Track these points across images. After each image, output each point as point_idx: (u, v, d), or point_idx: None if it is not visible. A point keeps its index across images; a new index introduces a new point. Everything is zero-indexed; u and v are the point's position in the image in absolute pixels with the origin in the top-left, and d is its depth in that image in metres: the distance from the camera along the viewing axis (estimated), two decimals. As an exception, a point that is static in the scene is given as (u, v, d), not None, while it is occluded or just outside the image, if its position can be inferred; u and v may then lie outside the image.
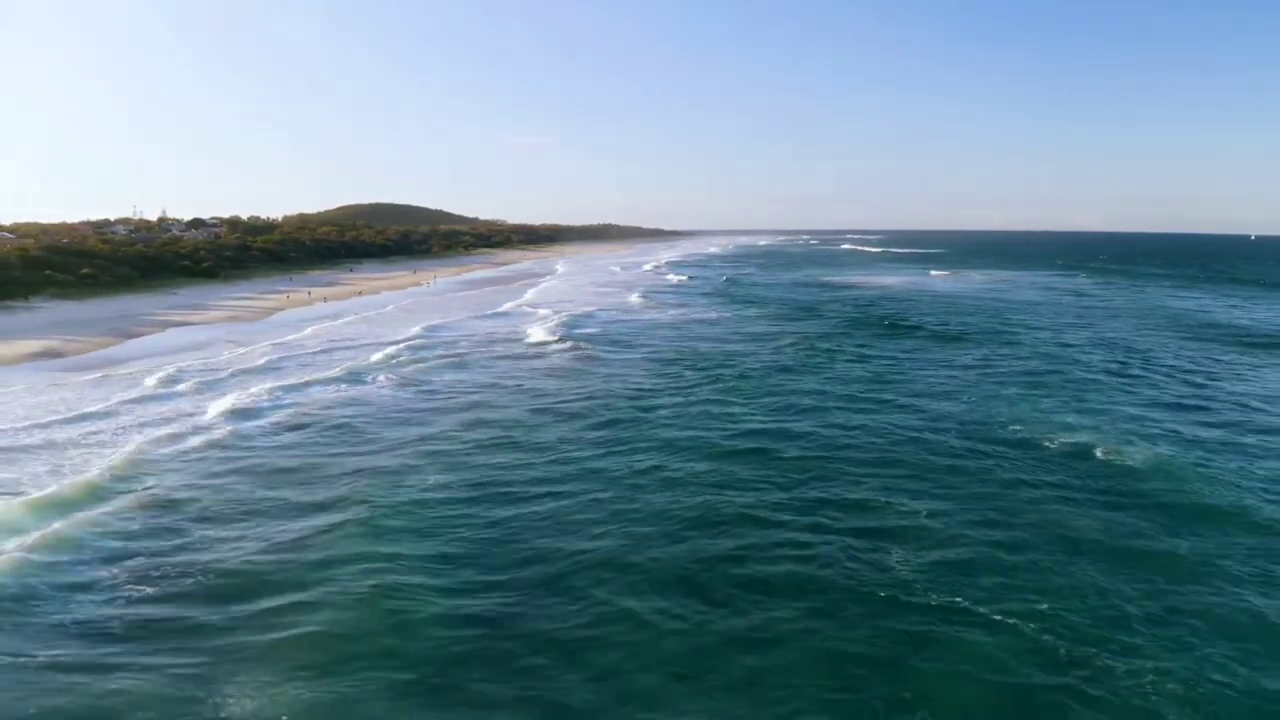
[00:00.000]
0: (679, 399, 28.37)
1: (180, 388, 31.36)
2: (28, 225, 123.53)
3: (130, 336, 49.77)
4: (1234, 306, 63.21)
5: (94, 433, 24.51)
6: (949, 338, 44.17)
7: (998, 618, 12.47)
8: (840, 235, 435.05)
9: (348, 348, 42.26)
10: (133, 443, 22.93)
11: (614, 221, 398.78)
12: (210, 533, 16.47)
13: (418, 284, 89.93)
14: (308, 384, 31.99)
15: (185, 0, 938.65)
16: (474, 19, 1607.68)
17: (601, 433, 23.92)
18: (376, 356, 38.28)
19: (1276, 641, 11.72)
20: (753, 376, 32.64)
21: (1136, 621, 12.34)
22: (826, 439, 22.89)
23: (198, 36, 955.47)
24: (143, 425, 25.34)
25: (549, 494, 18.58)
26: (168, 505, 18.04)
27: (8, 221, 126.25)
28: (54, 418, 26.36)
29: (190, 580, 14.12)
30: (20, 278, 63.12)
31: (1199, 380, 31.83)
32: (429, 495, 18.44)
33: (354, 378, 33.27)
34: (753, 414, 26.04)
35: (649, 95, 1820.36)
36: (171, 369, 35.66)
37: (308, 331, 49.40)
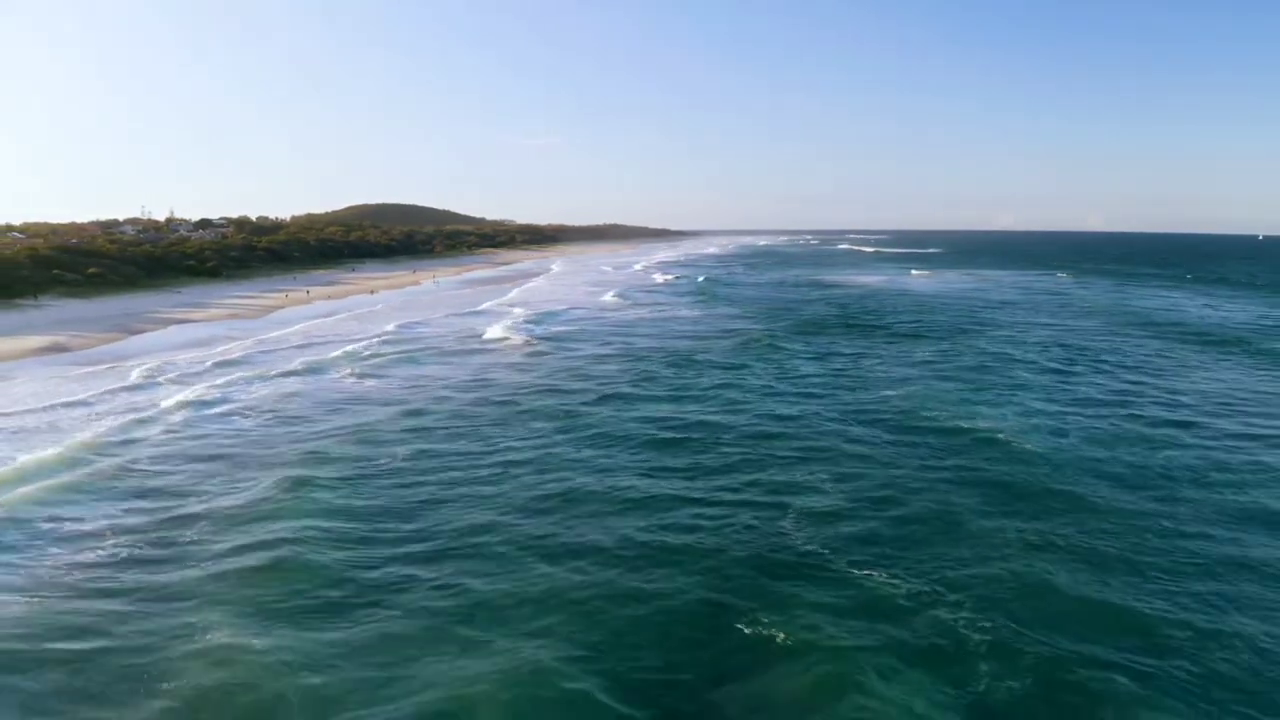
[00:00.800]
0: (610, 391, 30.22)
1: (161, 379, 33.72)
2: (37, 225, 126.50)
3: (133, 333, 52.19)
4: (1207, 306, 64.66)
5: (70, 418, 26.86)
6: (909, 335, 45.84)
7: (862, 573, 14.30)
8: (842, 235, 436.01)
9: (324, 343, 44.51)
10: (94, 427, 25.20)
11: (620, 221, 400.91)
12: (141, 503, 18.70)
13: (415, 283, 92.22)
14: (273, 375, 34.34)
15: (200, 1, 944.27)
16: (483, 19, 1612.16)
17: (524, 420, 25.93)
18: (342, 351, 40.46)
19: (1106, 612, 13.47)
20: (694, 370, 34.66)
21: (987, 582, 14.11)
22: (753, 429, 24.61)
23: (208, 37, 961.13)
24: (114, 411, 27.64)
25: (462, 472, 20.52)
26: (112, 477, 20.29)
27: (18, 221, 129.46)
28: (37, 405, 28.77)
29: (112, 540, 16.38)
30: (29, 277, 65.66)
31: (1135, 376, 33.22)
32: (347, 470, 20.56)
33: (316, 370, 35.53)
34: (685, 406, 27.73)
35: (657, 96, 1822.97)
36: (157, 362, 38.10)
37: (297, 327, 51.89)
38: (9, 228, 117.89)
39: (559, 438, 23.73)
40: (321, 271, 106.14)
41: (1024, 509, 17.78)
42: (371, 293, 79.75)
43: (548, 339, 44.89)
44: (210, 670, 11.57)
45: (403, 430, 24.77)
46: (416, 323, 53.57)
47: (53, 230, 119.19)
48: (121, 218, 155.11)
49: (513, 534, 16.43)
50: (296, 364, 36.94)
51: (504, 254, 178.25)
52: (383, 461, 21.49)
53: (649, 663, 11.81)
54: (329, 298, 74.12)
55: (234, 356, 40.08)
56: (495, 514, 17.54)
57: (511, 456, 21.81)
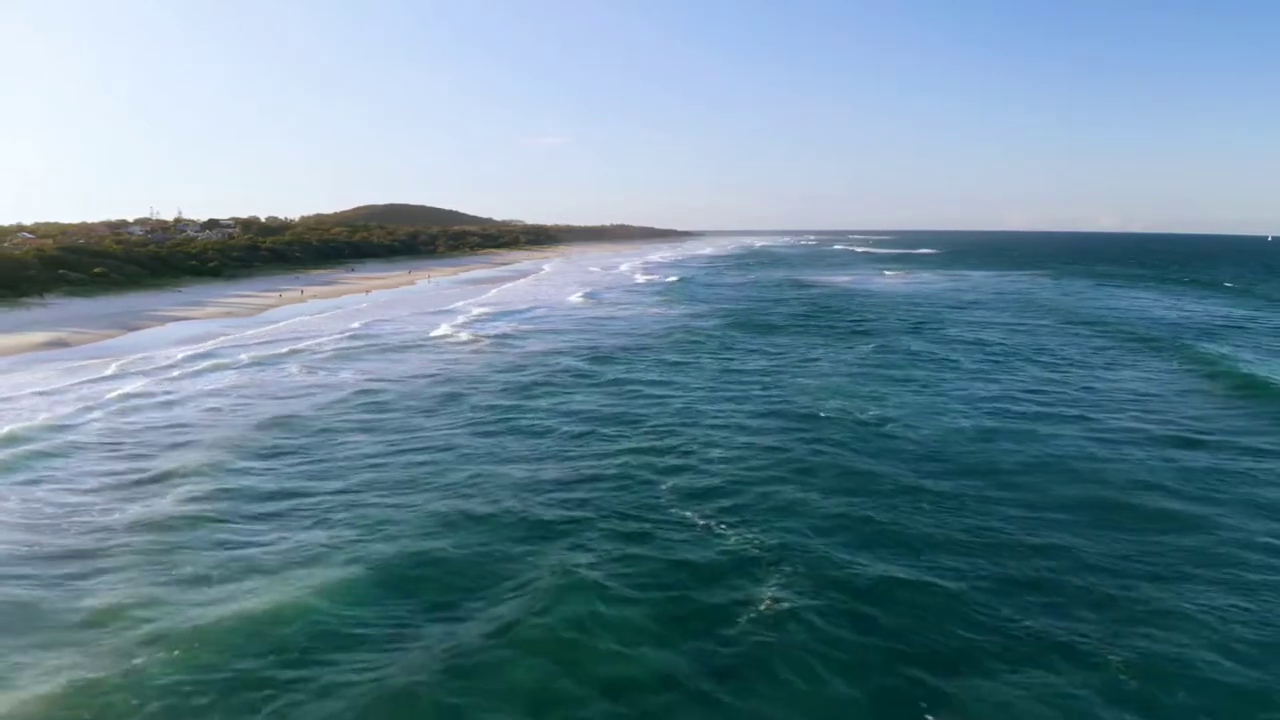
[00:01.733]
0: (532, 385, 32.29)
1: (131, 371, 36.54)
2: (48, 226, 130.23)
3: (132, 330, 55.24)
4: (1169, 307, 66.37)
5: (30, 406, 29.66)
6: (853, 333, 47.89)
7: (727, 533, 16.66)
8: (844, 235, 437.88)
9: (293, 339, 47.48)
10: (42, 414, 27.90)
11: (627, 222, 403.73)
12: (59, 471, 21.66)
13: (410, 283, 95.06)
14: (226, 369, 37.19)
15: (213, 4, 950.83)
16: (493, 21, 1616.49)
17: (447, 409, 28.32)
18: (291, 349, 42.95)
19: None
20: (615, 364, 36.83)
21: (785, 531, 16.70)
22: (640, 416, 26.67)
23: (222, 39, 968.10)
24: (70, 400, 30.44)
25: (345, 455, 22.81)
26: (38, 456, 22.95)
27: (29, 221, 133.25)
28: (13, 394, 31.63)
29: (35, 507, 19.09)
30: (36, 276, 68.89)
31: (1046, 373, 34.42)
32: (246, 454, 22.92)
33: (266, 365, 38.04)
34: (602, 400, 29.75)
35: (667, 97, 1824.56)
36: (136, 357, 41.14)
37: (280, 325, 55.08)
38: (20, 227, 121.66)
39: (444, 424, 26.07)
40: (322, 271, 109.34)
41: (853, 486, 19.66)
42: (366, 292, 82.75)
43: (494, 336, 47.48)
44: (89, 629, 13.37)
45: (311, 419, 27.07)
46: (382, 321, 56.37)
47: (62, 231, 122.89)
48: (131, 218, 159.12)
49: (377, 501, 18.97)
50: (248, 358, 39.90)
51: (505, 254, 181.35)
52: (282, 446, 23.70)
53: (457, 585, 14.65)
54: (322, 297, 77.18)
55: (203, 350, 43.09)
56: (363, 490, 19.85)
57: (396, 440, 24.22)
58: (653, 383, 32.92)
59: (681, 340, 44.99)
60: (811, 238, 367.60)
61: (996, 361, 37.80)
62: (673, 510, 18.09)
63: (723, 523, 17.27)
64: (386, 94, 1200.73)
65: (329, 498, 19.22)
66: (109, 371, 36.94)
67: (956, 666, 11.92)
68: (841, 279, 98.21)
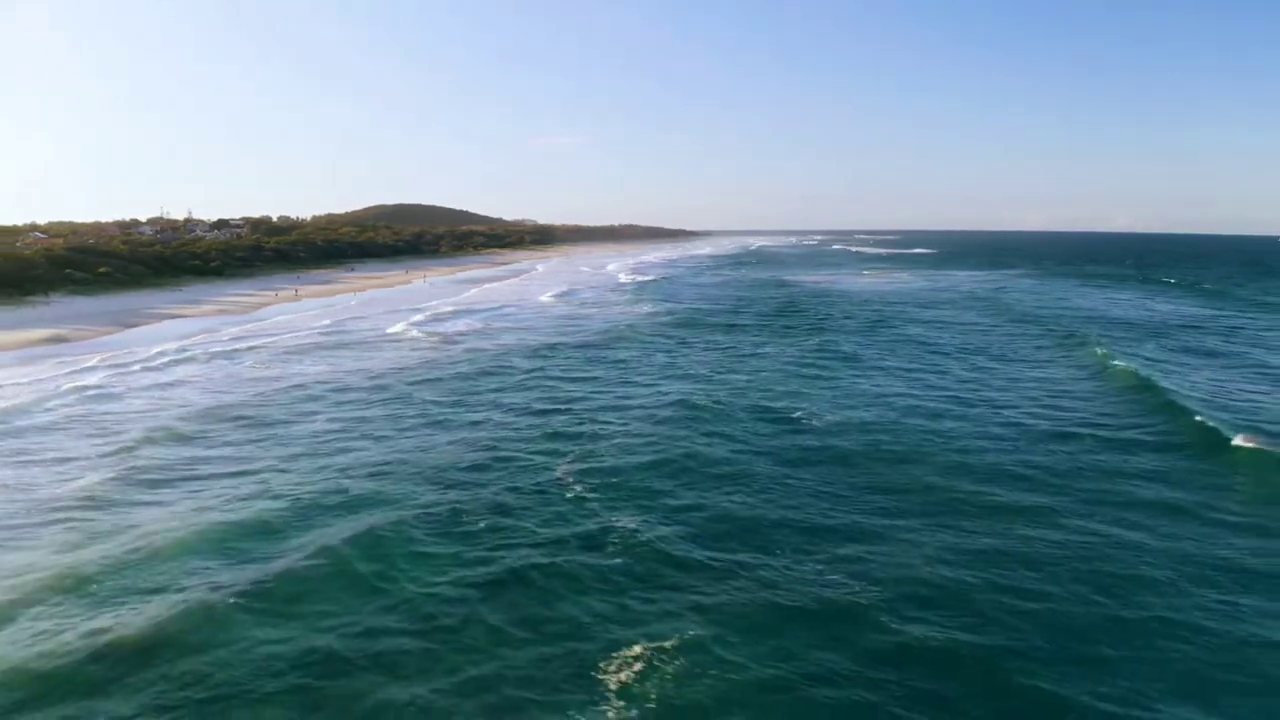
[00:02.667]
0: (464, 381, 33.96)
1: (104, 365, 39.04)
2: (61, 225, 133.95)
3: (128, 327, 58.07)
4: (1135, 306, 67.72)
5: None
6: (809, 330, 49.63)
7: (622, 514, 18.33)
8: (849, 235, 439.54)
9: (262, 335, 50.23)
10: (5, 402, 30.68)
11: (635, 222, 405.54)
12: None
13: (406, 283, 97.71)
14: (190, 361, 40.06)
15: (231, 6, 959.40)
16: (506, 22, 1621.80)
17: (363, 398, 30.52)
18: (256, 344, 45.78)
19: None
20: (552, 360, 38.69)
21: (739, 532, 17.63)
22: (562, 409, 28.45)
23: (237, 39, 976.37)
24: (29, 390, 33.07)
25: (272, 438, 25.06)
26: None
27: (44, 220, 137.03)
28: None
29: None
30: (42, 275, 71.96)
31: (980, 370, 35.97)
32: (170, 441, 25.06)
33: (225, 359, 40.55)
34: (515, 391, 31.70)
35: (678, 98, 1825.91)
36: (115, 351, 43.98)
37: (265, 323, 57.82)
38: (34, 227, 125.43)
39: (370, 414, 28.21)
40: (323, 271, 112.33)
41: (720, 472, 21.41)
42: (359, 291, 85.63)
43: (446, 333, 49.91)
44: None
45: (236, 406, 29.31)
46: (355, 319, 59.10)
47: (73, 230, 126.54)
48: (144, 218, 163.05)
49: (282, 475, 21.37)
50: (212, 353, 42.66)
51: (507, 254, 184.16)
52: (209, 433, 25.78)
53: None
54: (316, 296, 79.98)
55: (180, 345, 45.93)
56: (274, 465, 22.25)
57: (318, 425, 26.59)
58: (576, 378, 34.44)
59: (626, 336, 47.01)
60: (816, 238, 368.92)
61: (928, 359, 38.99)
62: (537, 482, 20.40)
63: (585, 492, 19.54)
64: (401, 94, 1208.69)
65: (227, 474, 21.63)
66: (85, 364, 39.41)
67: (739, 617, 13.71)
68: (824, 278, 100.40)
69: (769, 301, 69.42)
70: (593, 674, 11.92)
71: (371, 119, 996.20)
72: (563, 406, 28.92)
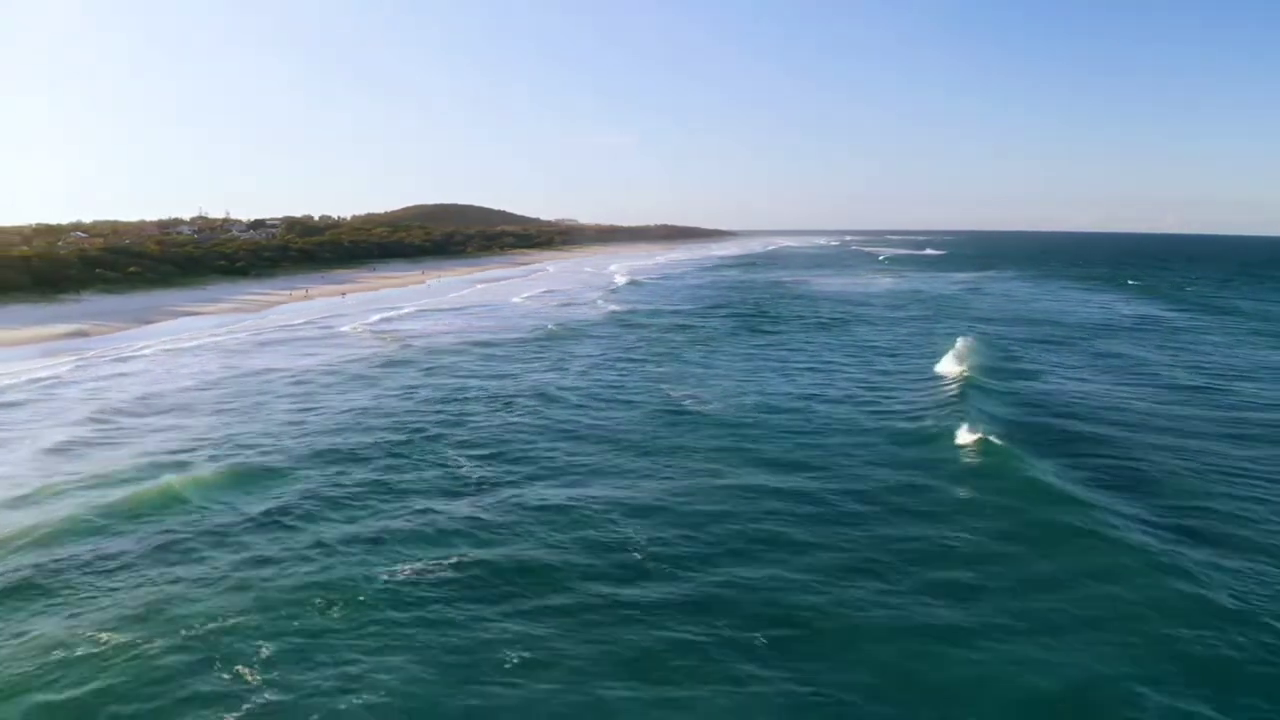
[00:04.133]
0: (382, 365, 38.10)
1: (94, 357, 43.98)
2: (104, 224, 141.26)
3: (147, 323, 63.20)
4: (1104, 305, 70.72)
5: None
6: (759, 331, 52.13)
7: (524, 488, 21.00)
8: (881, 235, 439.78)
9: (245, 331, 55.32)
10: None
11: (674, 222, 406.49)
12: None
13: (420, 283, 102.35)
14: (156, 355, 44.68)
15: (278, 9, 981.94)
16: (548, 20, 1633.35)
17: (285, 389, 34.06)
18: (214, 340, 50.45)
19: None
20: (489, 356, 41.96)
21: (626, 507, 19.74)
22: (467, 396, 31.89)
23: (283, 40, 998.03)
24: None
25: (202, 417, 29.02)
26: None
27: (89, 219, 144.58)
28: None
29: None
30: (75, 275, 77.89)
31: (893, 366, 39.09)
32: (102, 423, 28.42)
33: (189, 353, 44.94)
34: (425, 380, 35.03)
35: (724, 97, 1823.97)
36: (105, 348, 48.67)
37: (262, 320, 62.87)
38: (77, 226, 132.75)
39: (281, 404, 31.44)
40: (345, 271, 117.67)
41: (594, 449, 24.60)
42: (373, 291, 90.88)
43: (395, 330, 54.04)
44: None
45: (168, 395, 32.76)
46: (335, 316, 64.02)
47: (114, 229, 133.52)
48: (188, 217, 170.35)
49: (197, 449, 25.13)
50: (185, 347, 47.50)
51: (532, 254, 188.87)
52: (140, 420, 29.11)
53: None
54: (329, 295, 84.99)
55: (172, 340, 50.95)
56: (185, 443, 25.86)
57: (224, 410, 30.20)
58: (492, 373, 37.35)
59: (555, 335, 50.16)
60: (848, 238, 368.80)
61: (851, 356, 41.75)
62: (426, 455, 24.16)
63: (472, 463, 23.27)
64: (445, 93, 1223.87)
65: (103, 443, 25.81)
66: (85, 358, 44.17)
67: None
68: (819, 280, 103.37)
69: (743, 304, 71.33)
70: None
71: (419, 120, 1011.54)
72: (478, 395, 32.64)
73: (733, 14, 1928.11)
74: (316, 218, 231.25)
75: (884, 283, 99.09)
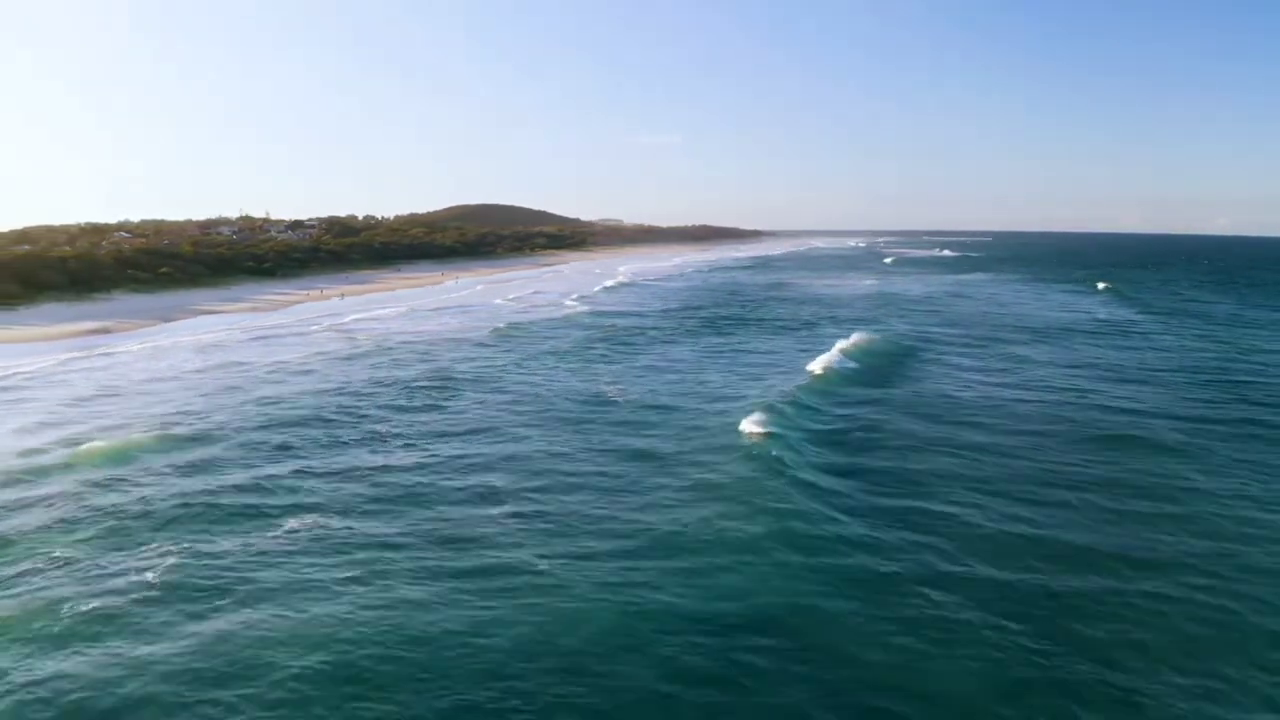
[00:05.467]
0: (335, 372, 39.91)
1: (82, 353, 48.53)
2: (150, 223, 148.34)
3: (168, 321, 67.97)
4: (1077, 309, 71.59)
5: None
6: (721, 334, 54.03)
7: (434, 460, 25.42)
8: (916, 236, 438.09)
9: (239, 329, 59.79)
10: None
11: (713, 222, 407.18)
12: None
13: (438, 283, 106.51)
14: (141, 352, 48.95)
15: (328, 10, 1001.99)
16: (592, 20, 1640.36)
17: (240, 379, 37.90)
18: (216, 336, 55.09)
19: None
20: (438, 351, 45.66)
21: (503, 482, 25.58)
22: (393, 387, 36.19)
23: (333, 43, 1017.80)
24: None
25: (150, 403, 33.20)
26: None
27: (137, 218, 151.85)
28: None
29: None
30: (109, 275, 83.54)
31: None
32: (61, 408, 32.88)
33: (165, 352, 48.85)
34: (359, 371, 39.20)
35: (768, 98, 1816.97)
36: (109, 341, 54.06)
37: (273, 318, 67.82)
38: (124, 225, 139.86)
39: (219, 392, 35.39)
40: (370, 271, 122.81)
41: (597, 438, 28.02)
42: (389, 291, 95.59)
43: (358, 328, 58.01)
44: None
45: (128, 387, 36.50)
46: (324, 315, 68.40)
47: (158, 229, 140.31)
48: (234, 216, 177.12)
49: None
50: (165, 344, 51.93)
51: (560, 255, 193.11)
52: (88, 398, 33.93)
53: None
54: (341, 296, 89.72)
55: (169, 338, 55.82)
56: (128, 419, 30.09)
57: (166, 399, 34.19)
58: (419, 368, 40.61)
59: (506, 334, 53.06)
60: (882, 239, 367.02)
61: (764, 355, 44.83)
62: (332, 428, 28.00)
63: (378, 437, 27.04)
64: (493, 95, 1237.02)
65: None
66: (91, 350, 49.13)
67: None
68: (821, 282, 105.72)
69: (722, 306, 73.46)
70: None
71: (468, 121, 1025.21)
72: (405, 385, 36.58)
73: (778, 15, 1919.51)
74: (361, 217, 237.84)
75: (868, 284, 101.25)
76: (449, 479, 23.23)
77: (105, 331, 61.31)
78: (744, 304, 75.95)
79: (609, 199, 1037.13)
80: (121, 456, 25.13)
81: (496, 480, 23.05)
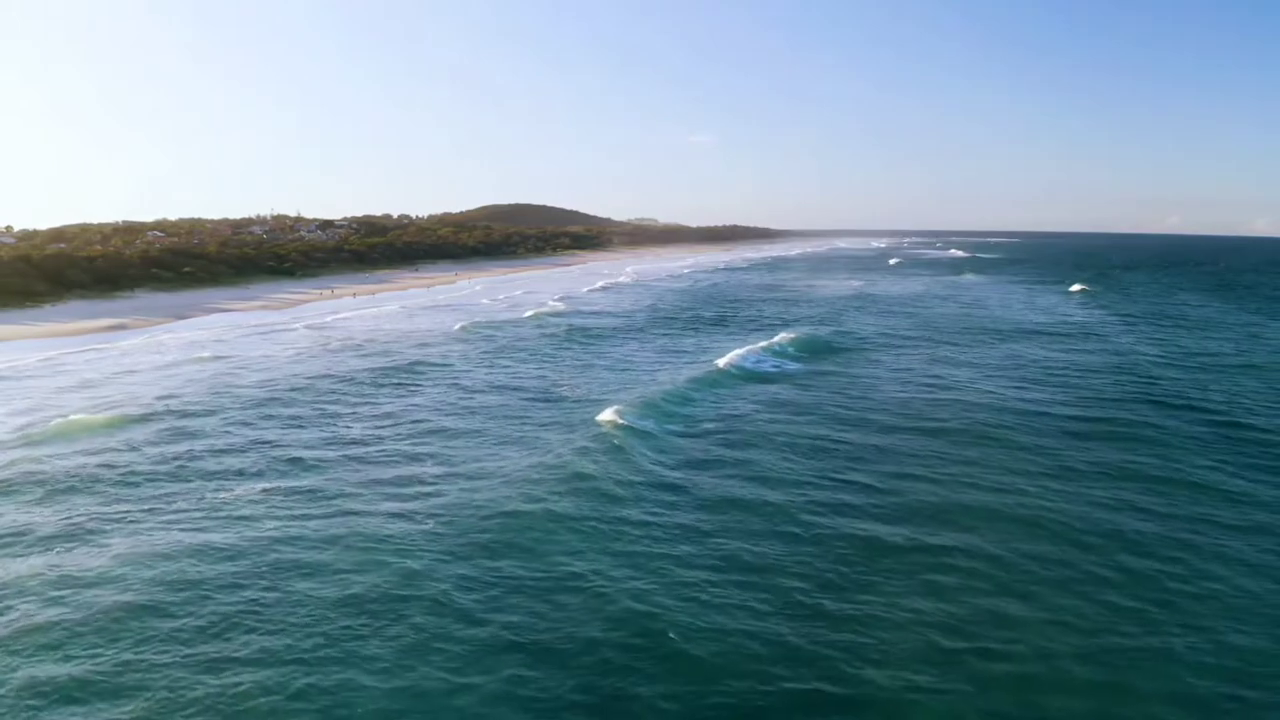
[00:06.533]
0: (299, 367, 42.86)
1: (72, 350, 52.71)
2: (184, 222, 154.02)
3: (182, 318, 71.82)
4: (1054, 311, 72.36)
5: None
6: (685, 334, 56.01)
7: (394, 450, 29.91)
8: (944, 236, 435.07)
9: (237, 326, 63.80)
10: None
11: (744, 222, 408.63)
12: None
13: (450, 283, 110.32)
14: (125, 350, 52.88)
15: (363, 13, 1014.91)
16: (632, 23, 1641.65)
17: (210, 375, 41.25)
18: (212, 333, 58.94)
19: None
20: (396, 348, 48.53)
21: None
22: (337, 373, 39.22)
23: (372, 45, 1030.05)
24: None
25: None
26: None
27: (174, 217, 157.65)
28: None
29: None
30: (134, 274, 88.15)
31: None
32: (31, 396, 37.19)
33: (151, 349, 52.58)
34: (315, 365, 42.64)
35: (803, 98, 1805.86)
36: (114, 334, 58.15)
37: (284, 316, 71.84)
38: (159, 224, 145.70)
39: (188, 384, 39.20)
40: (388, 271, 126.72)
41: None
42: (401, 290, 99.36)
43: (340, 328, 60.83)
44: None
45: (100, 380, 39.30)
46: (318, 314, 71.99)
47: (192, 228, 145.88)
48: (269, 215, 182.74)
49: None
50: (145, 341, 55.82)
51: (582, 255, 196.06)
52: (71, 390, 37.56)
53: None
54: (355, 295, 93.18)
55: (164, 335, 59.82)
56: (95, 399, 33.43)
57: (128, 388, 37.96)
58: (373, 362, 44.01)
59: (470, 332, 55.42)
60: (907, 240, 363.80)
61: (704, 350, 46.92)
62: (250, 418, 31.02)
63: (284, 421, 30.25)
64: (529, 94, 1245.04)
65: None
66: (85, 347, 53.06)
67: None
68: (819, 283, 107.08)
69: (705, 305, 75.61)
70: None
71: (504, 120, 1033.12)
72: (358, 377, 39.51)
73: (814, 16, 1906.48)
74: (396, 216, 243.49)
75: (853, 285, 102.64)
76: (334, 449, 27.00)
77: (121, 328, 65.19)
78: (722, 304, 78.01)
79: (645, 199, 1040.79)
80: (64, 434, 28.79)
81: (369, 451, 26.83)
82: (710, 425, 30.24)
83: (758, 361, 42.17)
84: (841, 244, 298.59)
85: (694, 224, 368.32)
